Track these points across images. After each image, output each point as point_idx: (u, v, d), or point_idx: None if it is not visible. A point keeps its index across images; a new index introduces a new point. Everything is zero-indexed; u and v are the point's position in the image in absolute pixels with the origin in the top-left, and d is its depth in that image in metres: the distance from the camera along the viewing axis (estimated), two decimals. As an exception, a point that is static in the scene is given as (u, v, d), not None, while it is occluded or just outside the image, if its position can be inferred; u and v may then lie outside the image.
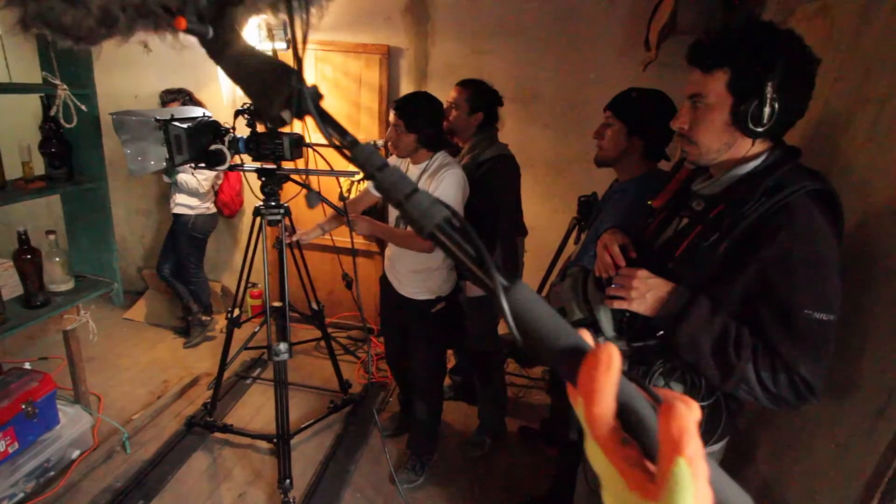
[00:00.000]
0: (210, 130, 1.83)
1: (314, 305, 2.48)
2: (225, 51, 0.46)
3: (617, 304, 1.07)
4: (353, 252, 2.11)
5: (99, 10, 0.40)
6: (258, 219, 2.10)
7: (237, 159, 1.97)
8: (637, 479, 0.29)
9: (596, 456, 0.31)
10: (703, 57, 1.04)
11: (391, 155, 2.11)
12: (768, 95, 0.96)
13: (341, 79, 3.10)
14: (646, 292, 1.04)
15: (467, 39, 2.94)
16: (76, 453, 2.28)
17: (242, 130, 1.91)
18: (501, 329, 2.42)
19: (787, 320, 0.96)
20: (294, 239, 2.19)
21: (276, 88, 0.42)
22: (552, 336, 0.32)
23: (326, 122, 0.41)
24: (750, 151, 1.05)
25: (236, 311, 2.33)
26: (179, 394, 2.79)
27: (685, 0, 2.25)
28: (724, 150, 1.06)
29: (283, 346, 2.01)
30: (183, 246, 3.16)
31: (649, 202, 1.33)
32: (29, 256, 1.77)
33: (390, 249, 2.17)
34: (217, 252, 3.68)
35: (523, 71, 2.92)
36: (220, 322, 3.51)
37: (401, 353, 2.35)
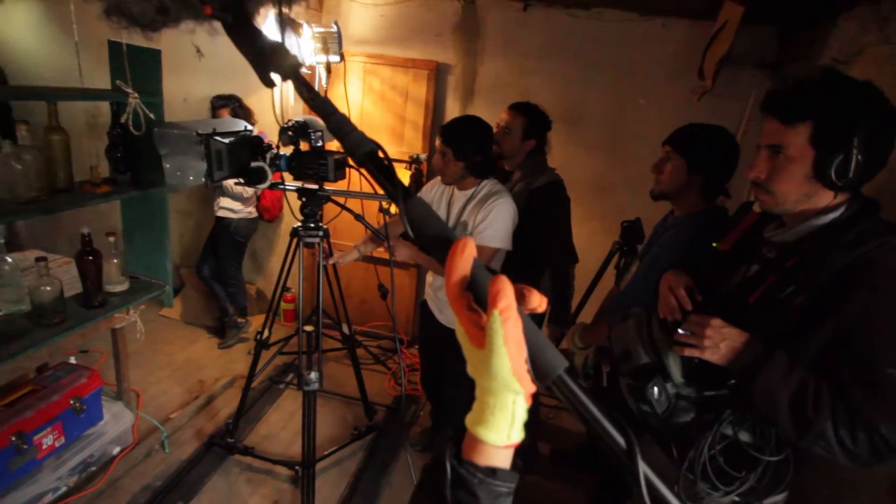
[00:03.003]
0: (251, 146, 1.76)
1: (346, 330, 2.43)
2: (241, 33, 0.63)
3: (688, 352, 1.06)
4: (390, 263, 2.02)
5: (157, 2, 0.59)
6: (295, 239, 2.03)
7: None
8: (474, 333, 0.41)
9: (457, 326, 0.43)
10: (783, 108, 1.03)
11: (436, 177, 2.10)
12: (854, 150, 0.95)
13: (388, 92, 3.13)
14: (719, 342, 1.03)
15: (515, 59, 2.95)
16: (117, 450, 2.33)
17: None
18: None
19: (869, 378, 0.94)
20: (331, 262, 2.14)
21: (272, 60, 0.62)
22: (434, 232, 0.47)
23: (300, 81, 0.59)
24: (829, 203, 1.04)
25: (265, 333, 2.31)
26: (215, 395, 2.83)
27: (746, 32, 2.22)
28: (802, 200, 1.04)
29: (313, 376, 1.95)
30: (224, 248, 3.23)
31: (714, 244, 1.31)
32: (91, 258, 1.83)
33: (432, 276, 2.16)
34: (254, 255, 3.75)
35: (570, 92, 2.92)
36: (255, 324, 3.56)
37: (437, 378, 2.34)
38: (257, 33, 0.64)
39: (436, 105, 3.10)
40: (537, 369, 0.41)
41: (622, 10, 2.69)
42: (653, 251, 1.72)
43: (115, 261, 2.00)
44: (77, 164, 1.83)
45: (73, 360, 2.47)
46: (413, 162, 3.11)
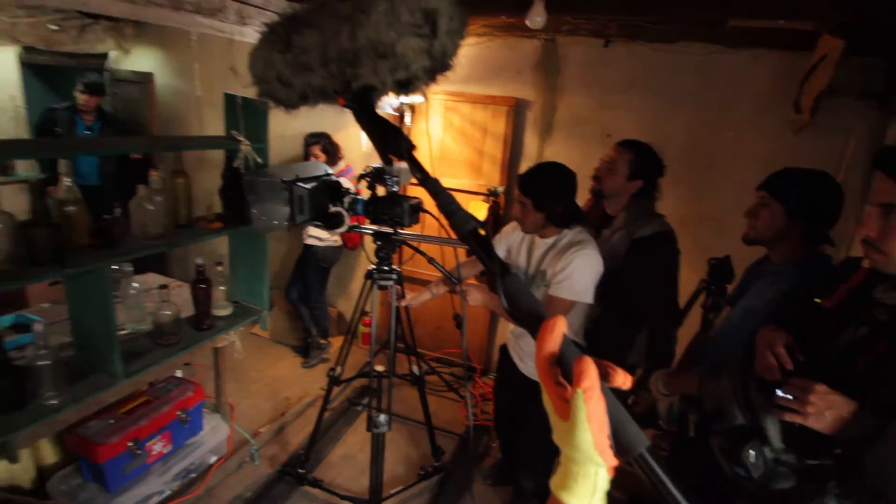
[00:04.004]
0: (331, 191, 1.82)
1: (415, 370, 2.44)
2: (366, 119, 0.71)
3: (789, 417, 1.01)
4: (462, 297, 1.94)
5: (300, 92, 0.71)
6: (369, 281, 2.05)
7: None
8: (560, 406, 0.44)
9: (544, 395, 0.46)
10: None
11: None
12: None
13: (467, 127, 3.24)
14: (824, 409, 0.97)
15: (596, 93, 2.95)
16: (214, 459, 2.53)
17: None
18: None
19: None
20: (404, 304, 2.15)
21: (390, 142, 0.70)
22: (527, 307, 0.51)
23: (412, 162, 0.67)
24: None
25: (338, 370, 2.39)
26: (299, 412, 3.00)
27: (848, 63, 2.09)
28: None
29: (382, 419, 1.97)
30: (310, 274, 3.45)
31: (817, 300, 1.24)
32: (203, 286, 2.04)
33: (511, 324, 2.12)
34: (337, 280, 3.96)
35: (653, 125, 2.87)
36: (335, 345, 3.74)
37: (513, 424, 2.25)
38: (379, 119, 0.72)
39: (514, 139, 3.16)
40: (619, 445, 0.44)
41: (709, 42, 2.63)
42: (747, 299, 1.63)
43: (222, 288, 2.21)
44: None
45: (179, 374, 2.73)
46: (491, 195, 3.17)
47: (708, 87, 2.73)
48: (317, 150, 3.23)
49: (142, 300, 2.08)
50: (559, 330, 0.45)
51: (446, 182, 3.30)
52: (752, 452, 1.07)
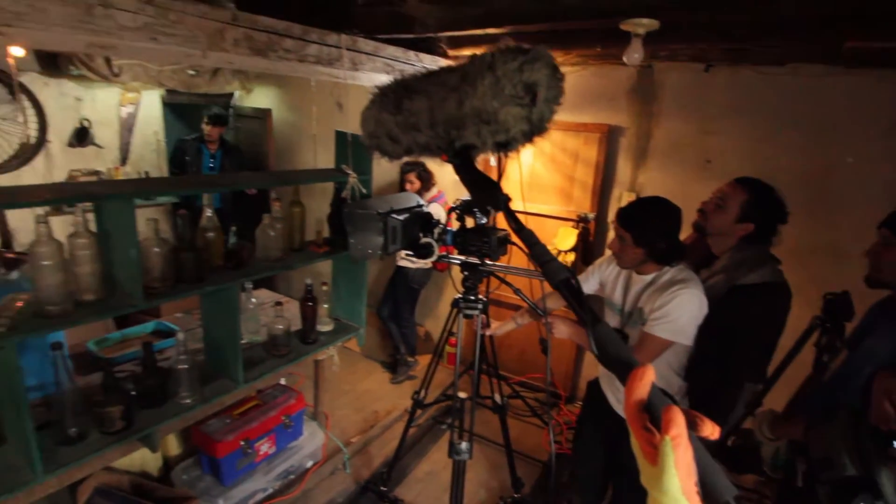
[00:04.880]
0: (422, 222, 1.88)
1: (498, 399, 2.44)
2: (466, 173, 0.78)
3: (911, 478, 0.93)
4: (547, 328, 1.94)
5: (406, 147, 0.79)
6: (455, 310, 2.08)
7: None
8: (648, 451, 0.46)
9: (632, 439, 0.48)
10: None
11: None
12: None
13: (558, 154, 3.27)
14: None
15: (695, 119, 2.86)
16: (310, 463, 2.73)
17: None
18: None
19: None
20: (489, 333, 2.15)
21: (488, 195, 0.77)
22: (616, 355, 0.54)
23: (509, 215, 0.72)
24: None
25: (423, 392, 2.46)
26: (386, 427, 3.15)
27: None
28: None
29: (464, 446, 1.96)
30: (401, 294, 3.63)
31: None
32: (311, 304, 2.24)
33: None
34: (426, 300, 4.11)
35: (760, 151, 2.72)
36: (422, 363, 3.88)
37: (602, 473, 2.15)
38: (478, 174, 0.78)
39: (606, 166, 3.13)
40: (707, 493, 0.46)
41: (825, 64, 2.46)
42: (868, 342, 1.50)
43: (326, 306, 2.41)
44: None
45: (283, 382, 2.99)
46: (581, 221, 3.16)
47: (822, 110, 2.54)
48: (412, 176, 3.42)
49: (257, 313, 2.33)
50: (648, 378, 0.48)
51: (535, 208, 3.37)
52: (865, 511, 0.99)
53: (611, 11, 1.80)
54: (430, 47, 2.72)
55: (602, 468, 2.13)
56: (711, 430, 0.48)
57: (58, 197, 1.43)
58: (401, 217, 1.82)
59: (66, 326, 1.40)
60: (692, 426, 0.47)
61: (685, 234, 1.89)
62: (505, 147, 0.74)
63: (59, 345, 1.43)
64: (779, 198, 1.76)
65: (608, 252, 1.98)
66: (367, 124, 0.84)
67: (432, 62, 2.76)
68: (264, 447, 2.50)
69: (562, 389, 3.56)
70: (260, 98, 4.79)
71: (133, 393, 1.68)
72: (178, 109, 4.89)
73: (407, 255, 3.46)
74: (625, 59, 2.06)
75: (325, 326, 2.43)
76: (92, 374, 1.96)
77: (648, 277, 1.78)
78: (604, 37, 2.34)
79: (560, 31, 2.22)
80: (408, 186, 3.43)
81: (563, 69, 0.76)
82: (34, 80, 3.60)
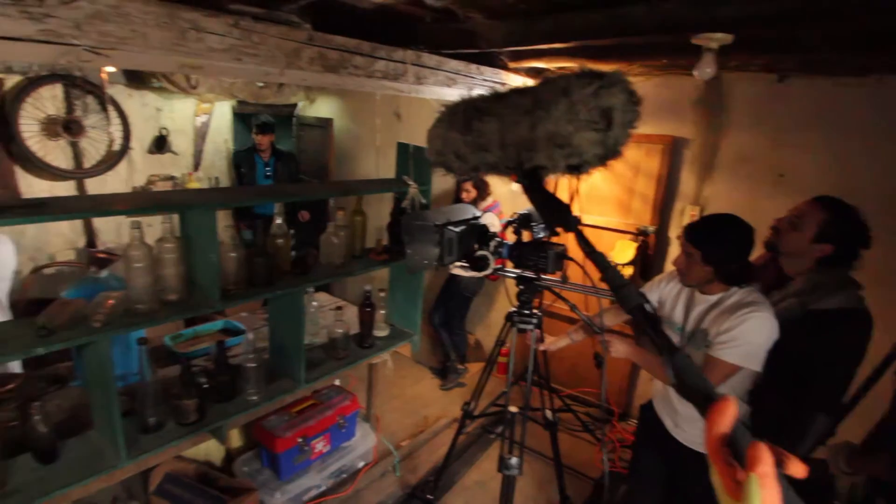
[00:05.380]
0: (478, 234, 1.89)
1: (549, 415, 2.39)
2: (535, 192, 0.77)
3: None
4: (603, 343, 1.87)
5: (473, 166, 0.79)
6: (508, 323, 2.08)
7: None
8: (731, 486, 0.45)
9: (713, 472, 0.47)
10: None
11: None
12: None
13: (617, 165, 3.16)
14: None
15: (767, 132, 2.73)
16: (361, 464, 2.80)
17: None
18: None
19: None
20: (542, 348, 2.14)
21: (558, 216, 0.77)
22: (695, 385, 0.53)
23: (580, 237, 0.72)
24: None
25: (473, 404, 2.45)
26: (436, 433, 3.18)
27: None
28: None
29: (514, 461, 1.95)
30: (454, 301, 3.66)
31: None
32: (369, 310, 2.31)
33: (661, 384, 1.96)
34: (478, 309, 4.13)
35: (841, 166, 2.56)
36: (472, 370, 3.89)
37: (661, 498, 2.06)
38: (548, 195, 0.77)
39: (668, 178, 3.05)
40: None
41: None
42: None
43: (383, 311, 2.48)
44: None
45: (338, 383, 3.09)
46: (640, 234, 3.08)
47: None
48: (468, 185, 3.45)
49: (317, 316, 2.42)
50: (731, 411, 0.48)
51: (593, 220, 3.32)
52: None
53: (685, 27, 1.76)
54: (491, 60, 2.75)
55: (661, 493, 2.06)
56: (797, 469, 0.47)
57: (156, 205, 1.55)
58: (457, 229, 1.82)
59: (153, 324, 1.51)
60: (778, 464, 0.46)
61: (756, 252, 1.79)
62: (577, 170, 0.72)
63: (144, 340, 1.56)
64: (861, 219, 1.64)
65: (668, 268, 1.93)
66: (434, 142, 0.84)
67: (493, 74, 2.79)
68: (319, 445, 2.59)
69: (615, 406, 3.48)
70: (322, 108, 4.98)
71: (206, 387, 1.80)
72: (246, 119, 5.17)
73: (462, 265, 3.52)
74: (695, 73, 2.00)
75: (381, 332, 2.49)
76: (167, 367, 2.11)
77: (713, 298, 1.70)
78: (673, 50, 2.28)
79: (628, 45, 2.19)
80: (464, 195, 3.47)
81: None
82: (120, 92, 3.93)
